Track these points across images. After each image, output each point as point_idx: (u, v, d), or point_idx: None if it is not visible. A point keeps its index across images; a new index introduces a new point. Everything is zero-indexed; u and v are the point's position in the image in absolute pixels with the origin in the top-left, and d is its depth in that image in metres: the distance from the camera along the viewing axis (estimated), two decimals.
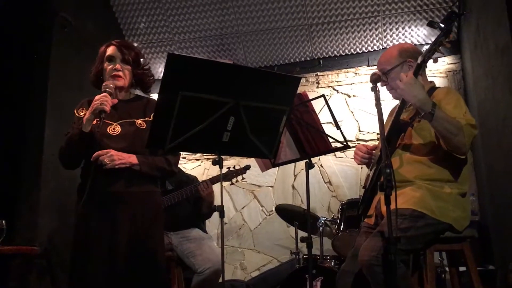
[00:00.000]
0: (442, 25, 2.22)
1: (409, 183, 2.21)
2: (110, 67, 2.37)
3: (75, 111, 2.40)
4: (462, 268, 2.56)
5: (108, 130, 2.28)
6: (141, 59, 2.48)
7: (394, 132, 2.31)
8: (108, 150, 2.19)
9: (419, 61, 2.26)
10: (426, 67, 2.45)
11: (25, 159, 3.57)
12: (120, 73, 2.36)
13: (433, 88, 2.39)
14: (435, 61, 2.34)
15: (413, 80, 2.11)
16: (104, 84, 2.30)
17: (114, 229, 2.16)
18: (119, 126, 2.31)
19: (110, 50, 2.39)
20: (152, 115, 2.34)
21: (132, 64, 2.41)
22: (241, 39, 4.86)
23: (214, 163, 2.06)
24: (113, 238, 2.15)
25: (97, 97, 2.22)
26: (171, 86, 1.83)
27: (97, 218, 2.18)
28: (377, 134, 4.62)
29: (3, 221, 2.80)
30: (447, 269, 3.22)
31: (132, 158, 2.23)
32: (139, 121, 2.35)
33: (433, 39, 2.33)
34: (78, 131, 2.22)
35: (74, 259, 2.18)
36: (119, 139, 2.27)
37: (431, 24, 2.33)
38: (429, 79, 2.50)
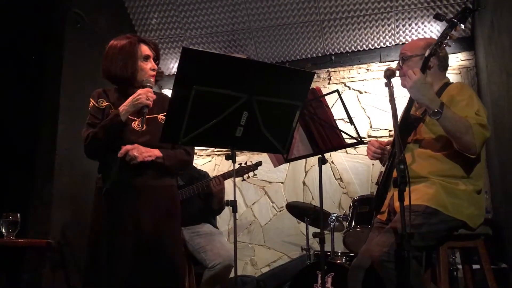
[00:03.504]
0: (449, 17, 2.22)
1: (423, 179, 2.19)
2: (148, 66, 2.39)
3: (93, 102, 2.40)
4: (475, 266, 2.55)
5: (133, 125, 2.31)
6: None
7: (404, 128, 2.30)
8: (135, 144, 2.23)
9: (426, 54, 2.25)
10: (448, 66, 2.44)
11: (38, 154, 3.60)
12: (155, 73, 2.42)
13: (446, 83, 2.37)
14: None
15: (421, 79, 2.10)
16: (145, 78, 2.34)
17: (136, 222, 2.19)
18: None
19: (147, 50, 2.40)
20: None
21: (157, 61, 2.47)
22: (253, 35, 4.85)
23: (227, 157, 2.07)
24: (135, 230, 2.17)
25: (141, 91, 2.27)
26: (185, 80, 1.84)
27: (119, 211, 2.21)
28: (389, 130, 4.60)
29: (18, 214, 2.82)
30: (458, 266, 3.20)
31: (157, 151, 2.26)
32: (160, 116, 2.39)
33: None
34: (114, 121, 2.24)
35: (94, 251, 2.21)
36: (144, 134, 2.30)
37: (437, 17, 2.32)
38: None
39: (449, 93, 2.26)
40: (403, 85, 2.34)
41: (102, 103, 2.38)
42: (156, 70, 2.42)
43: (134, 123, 2.32)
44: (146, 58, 2.39)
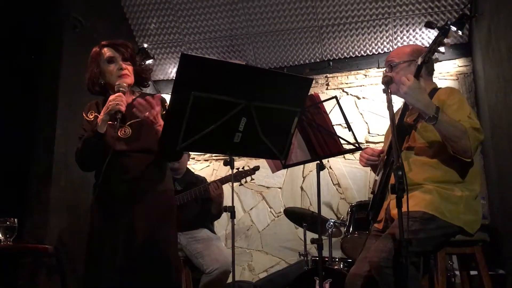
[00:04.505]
0: (440, 25, 2.22)
1: (418, 186, 2.19)
2: (114, 68, 2.33)
3: (84, 114, 2.40)
4: (472, 272, 2.55)
5: (119, 134, 2.28)
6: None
7: (398, 135, 2.30)
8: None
9: (419, 62, 2.25)
10: (434, 70, 2.44)
11: (36, 158, 3.59)
12: (127, 72, 2.34)
13: (435, 89, 2.38)
14: (436, 61, 2.33)
15: (416, 84, 2.10)
16: (117, 83, 2.28)
17: (129, 227, 2.18)
18: (129, 128, 2.31)
19: (108, 52, 2.35)
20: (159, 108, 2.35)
21: (131, 60, 2.40)
22: (251, 40, 4.87)
23: (225, 163, 2.06)
24: (128, 236, 2.16)
25: (111, 97, 2.23)
26: (183, 86, 1.84)
27: (113, 216, 2.20)
28: None
29: (15, 219, 2.81)
30: (456, 272, 3.20)
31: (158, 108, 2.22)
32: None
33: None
34: (94, 133, 2.21)
35: (89, 257, 2.20)
36: (132, 140, 2.27)
37: (428, 25, 2.32)
38: (440, 82, 2.49)
39: (439, 98, 2.26)
40: (393, 92, 2.34)
41: (90, 116, 2.37)
42: (125, 69, 2.32)
43: (121, 131, 2.29)
44: (110, 60, 2.34)
